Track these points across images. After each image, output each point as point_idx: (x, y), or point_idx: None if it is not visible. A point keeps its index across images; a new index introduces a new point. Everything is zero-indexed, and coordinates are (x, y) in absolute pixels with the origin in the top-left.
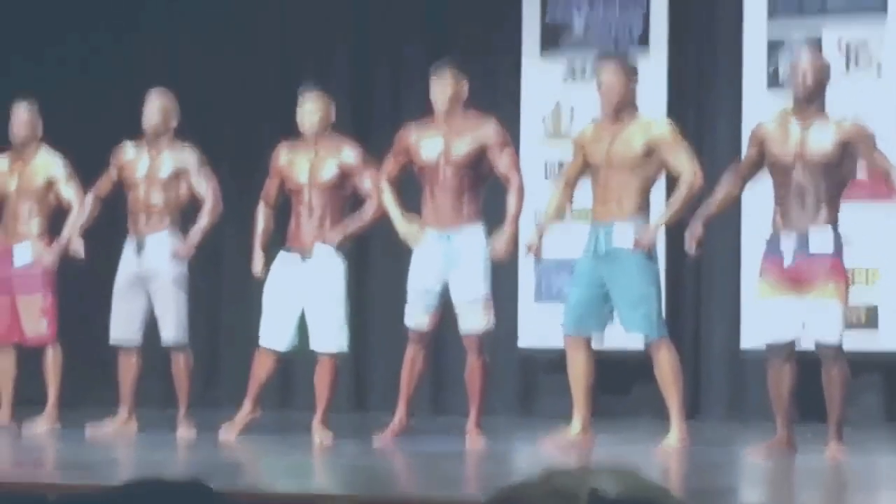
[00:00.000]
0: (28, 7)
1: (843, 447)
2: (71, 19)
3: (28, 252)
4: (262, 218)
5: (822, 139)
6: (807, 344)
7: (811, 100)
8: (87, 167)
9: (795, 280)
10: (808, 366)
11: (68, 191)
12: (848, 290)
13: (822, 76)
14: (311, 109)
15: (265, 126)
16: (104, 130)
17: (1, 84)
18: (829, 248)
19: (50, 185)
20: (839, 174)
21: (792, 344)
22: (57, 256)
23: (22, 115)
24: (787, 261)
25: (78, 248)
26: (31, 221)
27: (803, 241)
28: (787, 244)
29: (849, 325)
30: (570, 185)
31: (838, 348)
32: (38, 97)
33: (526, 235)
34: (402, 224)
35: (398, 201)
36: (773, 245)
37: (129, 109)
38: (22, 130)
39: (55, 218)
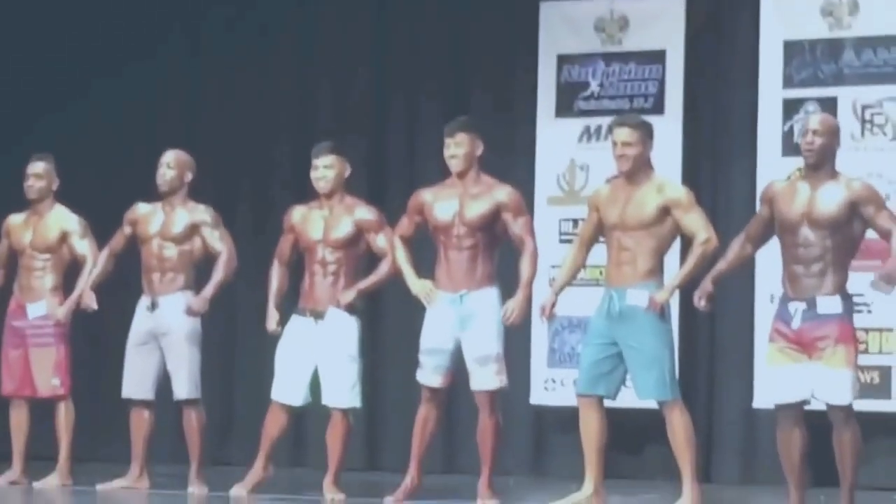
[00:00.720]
0: (48, 67)
1: None
2: (89, 78)
3: (42, 306)
4: (275, 276)
5: (829, 199)
6: (817, 406)
7: (821, 161)
8: (103, 225)
9: (803, 343)
10: (820, 430)
11: (83, 245)
12: (857, 354)
13: (831, 138)
14: (325, 168)
15: (280, 185)
16: (121, 189)
17: (21, 141)
18: (837, 310)
19: (64, 239)
20: (847, 235)
21: (801, 406)
22: (70, 311)
23: (38, 172)
24: (796, 323)
25: (90, 301)
26: (45, 276)
27: (811, 304)
28: (796, 306)
29: (862, 387)
30: (585, 245)
31: (849, 411)
32: (56, 154)
33: (539, 298)
34: (414, 282)
35: (411, 260)
36: (782, 308)
37: (146, 169)
38: (38, 186)
39: (69, 273)
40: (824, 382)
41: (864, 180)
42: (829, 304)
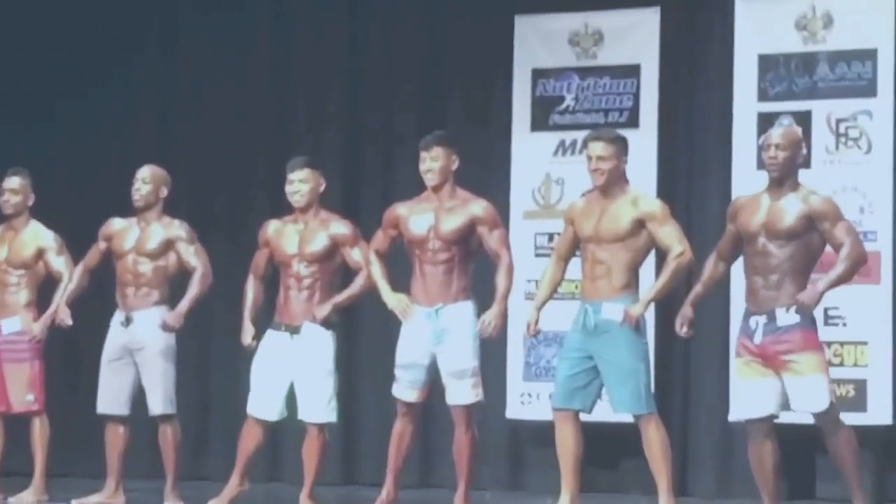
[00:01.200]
0: (22, 81)
1: None
2: (63, 92)
3: (16, 322)
4: (250, 290)
5: (787, 211)
6: (788, 419)
7: (783, 174)
8: (77, 240)
9: (767, 357)
10: (792, 443)
11: (59, 262)
12: (825, 358)
13: (794, 151)
14: (300, 182)
15: (255, 200)
16: (95, 205)
17: None
18: (794, 320)
19: (39, 255)
20: (805, 248)
21: (770, 420)
22: (46, 327)
23: (13, 187)
24: (757, 337)
25: (65, 317)
26: (19, 291)
27: (771, 316)
28: (756, 320)
29: (839, 401)
30: (563, 259)
31: (834, 415)
32: (30, 169)
33: (514, 312)
34: (390, 296)
35: (387, 275)
36: (745, 323)
37: (121, 184)
38: (13, 201)
39: (43, 289)
40: (799, 393)
41: (823, 195)
42: (788, 316)
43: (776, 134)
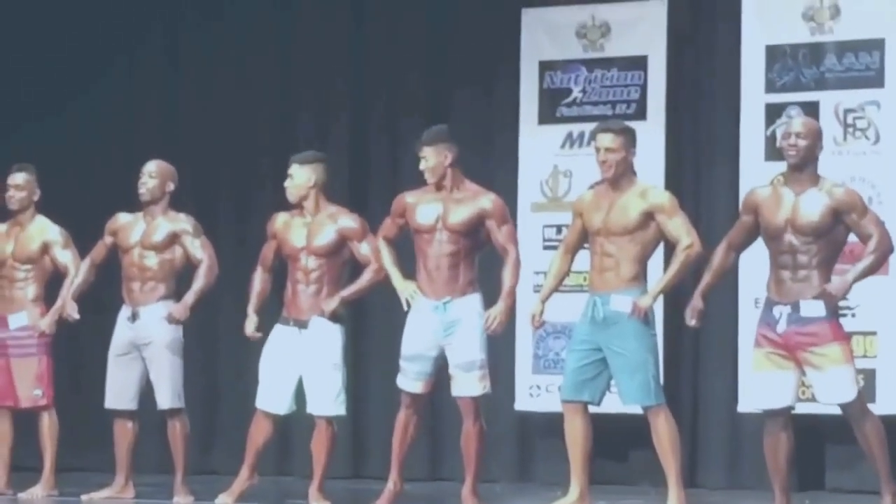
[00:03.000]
0: (27, 76)
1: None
2: (67, 87)
3: (23, 316)
4: (258, 280)
5: (812, 205)
6: (802, 410)
7: (803, 165)
8: (83, 235)
9: (789, 348)
10: (806, 434)
11: (65, 256)
12: (851, 349)
13: (814, 141)
14: (302, 176)
15: (262, 194)
16: (101, 199)
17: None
18: (821, 313)
19: (46, 250)
20: (831, 241)
21: (788, 411)
22: (54, 322)
23: (19, 182)
24: (781, 326)
25: (71, 311)
26: (26, 286)
27: (796, 307)
28: (780, 310)
29: None
30: (570, 252)
31: (861, 404)
32: (35, 164)
33: (523, 304)
34: (400, 282)
35: (397, 262)
36: (766, 312)
37: (126, 179)
38: (19, 196)
39: (50, 284)
40: (825, 385)
41: (847, 186)
42: (813, 308)
43: (797, 123)
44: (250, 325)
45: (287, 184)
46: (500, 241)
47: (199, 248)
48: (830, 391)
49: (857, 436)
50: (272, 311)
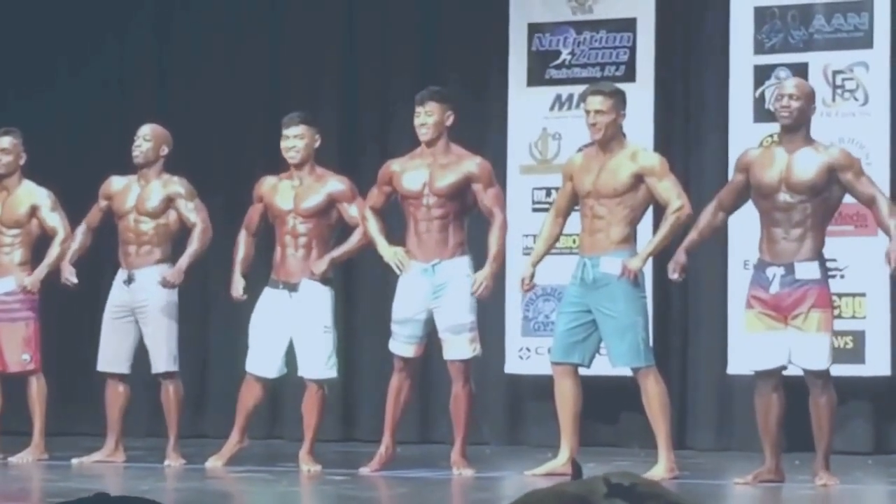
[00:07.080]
0: (16, 41)
1: (831, 476)
2: (59, 52)
3: (10, 281)
4: (242, 243)
5: (807, 165)
6: (793, 371)
7: (796, 127)
8: (74, 199)
9: (780, 309)
10: (796, 395)
11: (53, 218)
12: (833, 319)
13: (806, 103)
14: (295, 138)
15: (254, 159)
16: (91, 163)
17: None
18: (815, 275)
19: (33, 213)
20: (826, 200)
21: (780, 371)
22: (38, 280)
23: (5, 146)
24: (774, 287)
25: (69, 275)
26: (13, 251)
27: (789, 269)
28: (774, 271)
29: (836, 352)
30: (561, 215)
31: (826, 376)
32: (26, 129)
33: (512, 267)
34: (386, 249)
35: (383, 230)
36: (758, 274)
37: (117, 143)
38: (5, 160)
39: (38, 248)
40: (801, 348)
41: (841, 146)
42: (808, 270)
43: (790, 84)
44: (238, 288)
45: (292, 144)
46: (487, 205)
47: (192, 212)
48: (807, 356)
49: (810, 405)
50: (260, 275)
